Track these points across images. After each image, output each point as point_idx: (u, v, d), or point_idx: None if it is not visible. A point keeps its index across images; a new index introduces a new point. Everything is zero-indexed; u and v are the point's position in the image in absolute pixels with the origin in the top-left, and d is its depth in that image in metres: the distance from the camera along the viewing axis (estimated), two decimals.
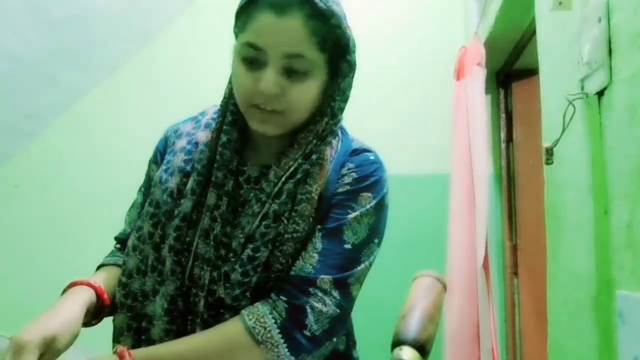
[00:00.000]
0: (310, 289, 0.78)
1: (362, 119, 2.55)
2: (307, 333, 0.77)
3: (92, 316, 0.83)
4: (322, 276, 0.79)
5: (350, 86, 0.87)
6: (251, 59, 0.78)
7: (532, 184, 2.19)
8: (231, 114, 0.86)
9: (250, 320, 0.76)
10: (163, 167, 0.89)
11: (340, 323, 0.81)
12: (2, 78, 2.32)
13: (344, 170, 0.86)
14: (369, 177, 0.85)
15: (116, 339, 0.85)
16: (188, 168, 0.86)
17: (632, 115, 0.76)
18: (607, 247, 0.83)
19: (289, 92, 0.79)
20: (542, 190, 1.19)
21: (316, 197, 0.82)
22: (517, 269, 2.27)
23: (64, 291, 0.82)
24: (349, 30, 0.83)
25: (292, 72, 0.78)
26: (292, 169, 0.82)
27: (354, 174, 0.85)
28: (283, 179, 0.82)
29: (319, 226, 0.82)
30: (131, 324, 0.83)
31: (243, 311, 0.78)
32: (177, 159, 0.88)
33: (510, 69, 2.35)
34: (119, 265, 0.90)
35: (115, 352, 0.73)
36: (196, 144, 0.88)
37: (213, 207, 0.82)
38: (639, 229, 0.73)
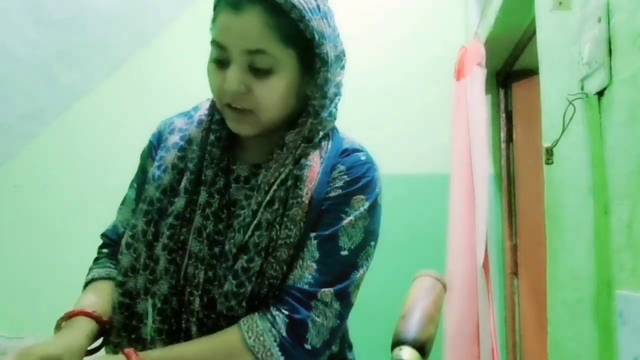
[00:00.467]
0: (312, 303, 0.77)
1: (361, 119, 2.55)
2: (308, 347, 0.76)
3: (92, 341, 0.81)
4: (323, 289, 0.78)
5: (327, 81, 0.83)
6: (218, 58, 0.79)
7: (532, 184, 2.19)
8: (219, 113, 0.86)
9: (250, 338, 0.75)
10: (156, 163, 0.88)
11: (339, 332, 0.82)
12: (2, 78, 2.32)
13: (335, 173, 0.84)
14: (361, 179, 0.84)
15: (112, 341, 0.83)
16: (181, 165, 0.85)
17: (632, 115, 0.76)
18: (607, 247, 0.83)
19: (255, 90, 0.78)
20: (542, 190, 1.19)
21: (307, 201, 0.80)
22: (517, 269, 2.27)
23: (59, 322, 0.80)
24: (314, 22, 0.78)
25: (256, 69, 0.77)
26: (282, 175, 0.81)
27: (345, 176, 0.83)
28: (275, 186, 0.81)
29: (314, 233, 0.81)
30: (128, 323, 0.83)
31: (242, 325, 0.76)
32: (170, 156, 0.87)
33: (510, 69, 2.35)
34: (109, 279, 0.88)
35: (121, 352, 0.73)
36: (189, 140, 0.87)
37: (205, 205, 0.82)
38: (639, 229, 0.73)
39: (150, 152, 0.93)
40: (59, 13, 2.26)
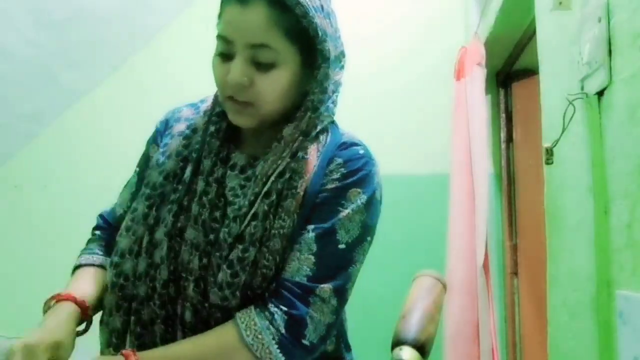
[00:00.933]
0: (310, 298, 0.78)
1: (361, 119, 2.55)
2: (306, 342, 0.77)
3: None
4: (322, 285, 0.78)
5: (327, 77, 0.84)
6: (223, 51, 0.80)
7: (532, 184, 2.19)
8: (219, 106, 0.88)
9: (248, 336, 0.75)
10: (160, 150, 0.90)
11: (335, 327, 0.82)
12: (2, 78, 2.32)
13: (332, 166, 0.84)
14: (357, 172, 0.84)
15: (105, 320, 0.85)
16: (185, 152, 0.87)
17: (632, 115, 0.76)
18: (607, 247, 0.83)
19: (257, 83, 0.79)
20: (542, 190, 1.19)
21: (301, 193, 0.81)
22: (517, 269, 2.27)
23: (47, 302, 0.82)
24: (317, 20, 0.80)
25: (259, 63, 0.79)
26: (279, 168, 0.82)
27: (342, 169, 0.84)
28: (272, 178, 0.81)
29: (311, 225, 0.81)
30: (121, 303, 0.83)
31: (240, 322, 0.76)
32: (175, 143, 0.89)
33: (510, 69, 2.35)
34: (98, 266, 0.90)
35: (120, 354, 0.73)
36: (195, 129, 0.89)
37: (202, 194, 0.83)
38: (639, 229, 0.73)
39: (155, 138, 0.95)
40: (59, 13, 2.26)
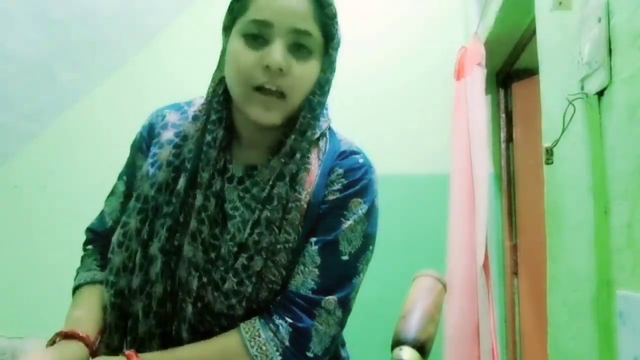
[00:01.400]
0: (315, 311, 0.78)
1: (361, 119, 2.55)
2: (310, 354, 0.76)
3: None
4: (327, 297, 0.78)
5: (328, 82, 0.85)
6: (255, 36, 0.77)
7: (532, 184, 2.19)
8: (215, 112, 0.84)
9: (252, 347, 0.75)
10: (150, 160, 0.86)
11: (339, 338, 0.83)
12: (2, 78, 2.32)
13: (333, 176, 0.83)
14: (358, 182, 0.83)
15: (103, 339, 0.82)
16: (176, 162, 0.83)
17: (632, 115, 0.76)
18: (607, 247, 0.83)
19: (294, 71, 0.78)
20: (542, 190, 1.19)
21: (305, 205, 0.80)
22: (517, 269, 2.27)
23: (52, 338, 0.76)
24: (338, 25, 0.82)
25: (298, 49, 0.78)
26: (277, 170, 0.81)
27: (343, 179, 0.83)
28: (271, 182, 0.80)
29: (314, 238, 0.80)
30: (119, 323, 0.81)
31: (244, 333, 0.76)
32: (165, 152, 0.85)
33: (510, 69, 2.35)
34: (97, 283, 0.86)
35: (123, 355, 0.72)
36: (184, 137, 0.85)
37: (200, 209, 0.80)
38: (639, 229, 0.73)
39: (140, 145, 0.90)
40: (58, 13, 2.26)
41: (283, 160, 0.81)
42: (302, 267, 0.79)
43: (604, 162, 0.85)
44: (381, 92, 2.65)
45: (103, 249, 0.89)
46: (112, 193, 0.93)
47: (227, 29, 0.83)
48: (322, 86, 0.84)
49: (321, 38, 0.80)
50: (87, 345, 0.76)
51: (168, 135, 0.87)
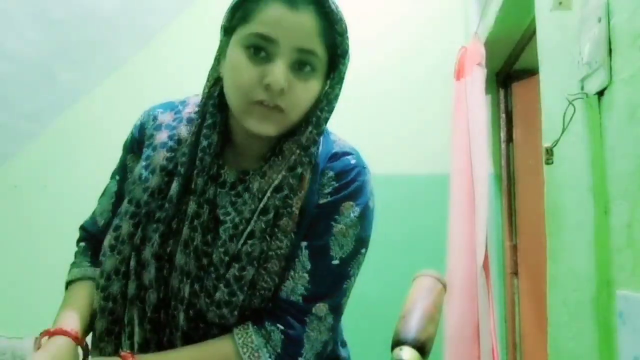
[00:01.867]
0: (306, 318, 0.78)
1: (361, 119, 2.55)
2: None
3: None
4: (318, 304, 0.78)
5: (337, 97, 0.83)
6: (257, 49, 0.75)
7: (532, 184, 2.19)
8: (211, 116, 0.82)
9: (245, 353, 0.75)
10: (142, 163, 0.84)
11: (331, 343, 0.82)
12: (2, 78, 2.32)
13: (324, 179, 0.82)
14: (349, 184, 0.81)
15: (96, 345, 0.81)
16: (170, 166, 0.82)
17: (632, 115, 0.76)
18: (607, 247, 0.83)
19: (294, 89, 0.75)
20: (542, 190, 1.19)
21: (297, 212, 0.79)
22: (517, 269, 2.27)
23: (37, 340, 0.76)
24: (348, 40, 0.80)
25: (301, 67, 0.76)
26: (276, 182, 0.78)
27: (334, 182, 0.81)
28: (268, 193, 0.78)
29: (305, 243, 0.79)
30: (112, 328, 0.80)
31: (237, 339, 0.76)
32: (158, 156, 0.83)
33: (510, 69, 2.35)
34: (86, 279, 0.86)
35: (118, 356, 0.72)
36: (178, 140, 0.83)
37: (193, 216, 0.78)
38: (639, 229, 0.73)
39: (132, 145, 0.89)
40: (58, 13, 2.26)
41: (284, 173, 0.79)
42: (292, 273, 0.79)
43: (604, 162, 0.85)
44: (381, 92, 2.65)
45: (95, 246, 0.88)
46: (104, 193, 0.93)
47: (227, 31, 0.80)
48: (330, 102, 0.82)
49: (326, 56, 0.78)
50: (75, 339, 0.76)
51: (162, 137, 0.85)
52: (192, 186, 0.79)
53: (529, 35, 1.92)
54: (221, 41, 0.82)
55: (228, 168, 0.83)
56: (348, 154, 0.85)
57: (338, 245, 0.80)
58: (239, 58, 0.75)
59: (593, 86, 0.89)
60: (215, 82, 0.84)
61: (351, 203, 0.81)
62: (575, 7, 0.99)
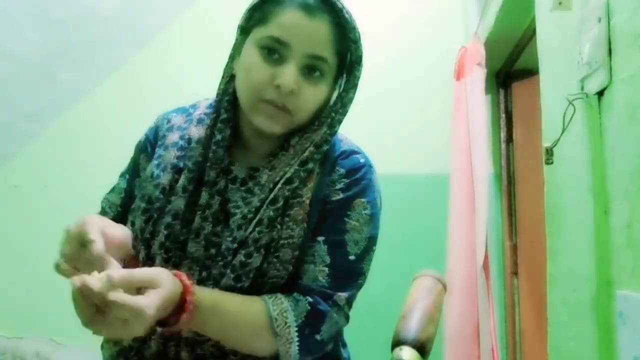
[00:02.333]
0: (330, 301, 0.80)
1: (361, 119, 2.55)
2: (318, 337, 0.79)
3: None
4: (339, 293, 0.81)
5: (351, 101, 0.88)
6: (271, 50, 0.79)
7: (532, 184, 2.19)
8: (225, 111, 0.85)
9: (274, 310, 0.77)
10: (154, 162, 0.87)
11: (342, 332, 0.88)
12: (2, 78, 2.32)
13: (334, 176, 0.86)
14: (360, 182, 0.86)
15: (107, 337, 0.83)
16: (180, 164, 0.85)
17: (632, 115, 0.76)
18: (607, 247, 0.83)
19: (303, 92, 0.80)
20: (542, 190, 1.19)
21: (308, 202, 0.82)
22: (517, 269, 2.27)
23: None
24: (362, 48, 0.86)
25: (311, 72, 0.80)
26: (287, 174, 0.82)
27: (345, 179, 0.85)
28: (279, 184, 0.81)
29: (322, 237, 0.83)
30: None
31: (267, 298, 0.78)
32: (169, 155, 0.86)
33: (510, 69, 2.35)
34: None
35: (176, 277, 0.71)
36: (189, 139, 0.87)
37: (205, 206, 0.81)
38: (639, 229, 0.73)
39: (145, 146, 0.92)
40: (58, 13, 2.26)
41: (296, 167, 0.83)
42: (312, 266, 0.82)
43: (604, 162, 0.85)
44: (381, 92, 2.65)
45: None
46: (112, 190, 0.95)
47: (243, 31, 0.84)
48: (344, 105, 0.87)
49: (336, 62, 0.83)
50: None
51: (173, 138, 0.88)
52: (205, 178, 0.83)
53: (529, 35, 1.92)
54: (237, 39, 0.86)
55: (238, 164, 0.87)
56: (356, 152, 0.89)
57: (353, 242, 0.83)
58: (253, 58, 0.80)
59: (593, 86, 0.89)
60: (230, 79, 0.87)
61: (362, 200, 0.85)
62: (575, 7, 0.99)
